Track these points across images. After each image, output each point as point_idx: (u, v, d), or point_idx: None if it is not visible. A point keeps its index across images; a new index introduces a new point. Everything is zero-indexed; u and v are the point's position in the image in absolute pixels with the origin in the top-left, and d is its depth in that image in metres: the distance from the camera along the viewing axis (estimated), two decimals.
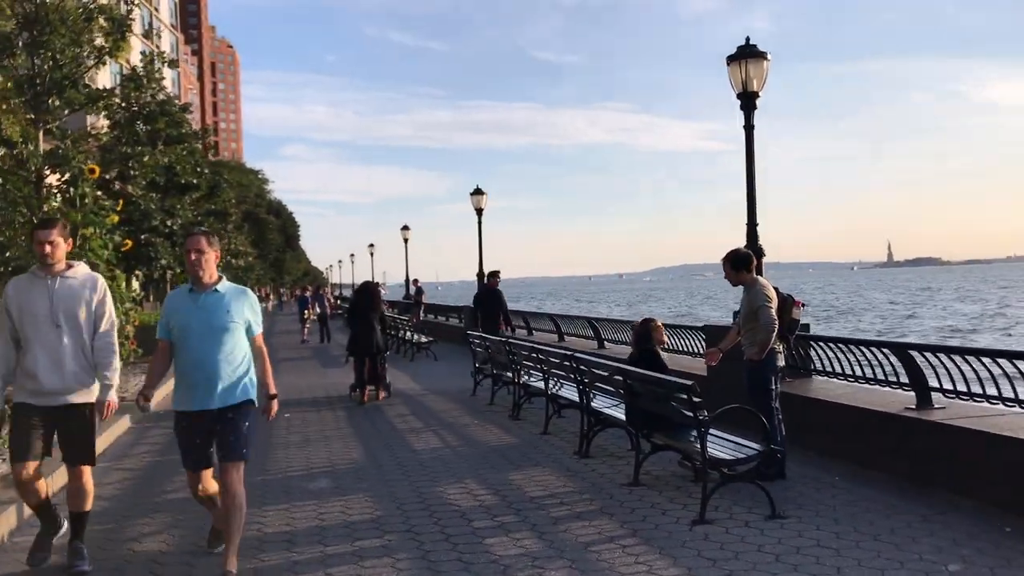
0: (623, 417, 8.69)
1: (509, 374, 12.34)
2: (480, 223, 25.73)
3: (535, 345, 10.85)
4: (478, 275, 26.01)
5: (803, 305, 8.26)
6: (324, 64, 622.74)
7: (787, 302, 7.92)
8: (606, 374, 8.44)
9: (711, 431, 6.72)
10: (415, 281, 34.61)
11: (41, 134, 12.69)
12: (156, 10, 79.99)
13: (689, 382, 6.57)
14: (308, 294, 32.34)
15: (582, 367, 8.95)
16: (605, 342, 16.30)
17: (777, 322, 7.54)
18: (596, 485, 7.74)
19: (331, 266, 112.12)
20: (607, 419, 8.92)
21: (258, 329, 5.78)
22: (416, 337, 22.09)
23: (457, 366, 19.37)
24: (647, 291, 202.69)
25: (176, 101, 23.14)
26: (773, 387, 7.85)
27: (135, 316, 13.53)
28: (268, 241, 67.50)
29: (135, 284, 20.22)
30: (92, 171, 12.09)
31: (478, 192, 25.69)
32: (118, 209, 12.59)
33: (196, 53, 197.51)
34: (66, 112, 13.16)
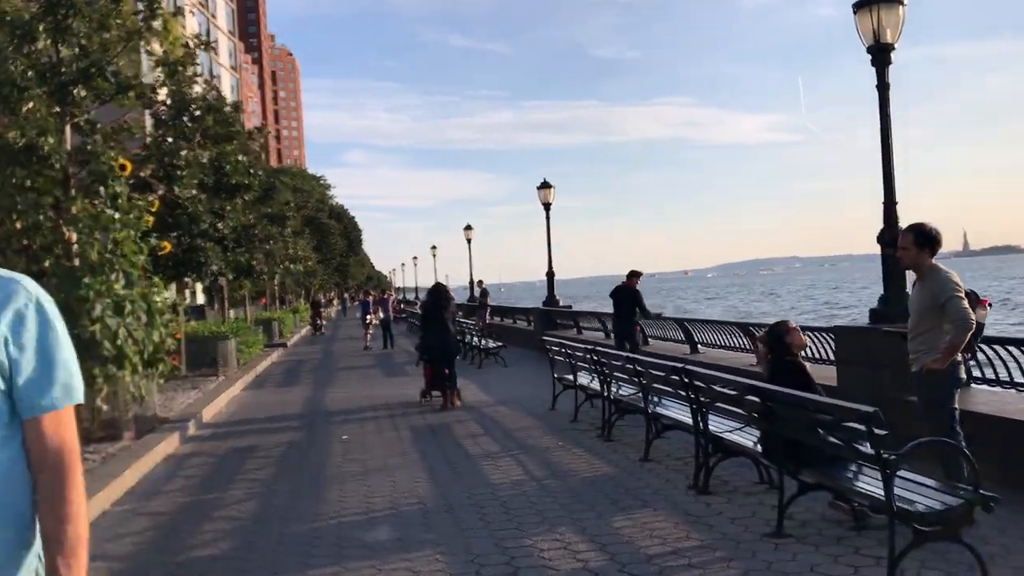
0: (750, 444, 7.00)
1: (596, 386, 10.71)
2: (548, 218, 24.14)
3: (630, 355, 9.20)
4: (547, 274, 24.42)
5: (989, 304, 6.46)
6: (383, 70, 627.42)
7: (969, 299, 6.12)
8: (733, 393, 6.72)
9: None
10: (480, 282, 33.10)
11: (68, 128, 11.45)
12: (213, 16, 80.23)
13: (870, 408, 4.84)
14: (370, 298, 30.99)
15: (697, 382, 7.25)
16: (698, 345, 14.53)
17: (974, 320, 5.76)
18: (728, 536, 6.05)
19: (394, 270, 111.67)
20: (730, 447, 7.22)
21: (52, 395, 1.94)
22: (484, 342, 20.54)
23: (529, 373, 17.79)
24: (716, 287, 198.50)
25: (224, 99, 21.93)
26: (954, 406, 6.09)
27: (176, 328, 12.20)
28: (331, 246, 66.72)
29: (170, 291, 19.06)
30: (123, 167, 10.78)
31: (545, 186, 24.09)
32: (153, 209, 11.26)
33: (256, 62, 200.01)
34: (95, 104, 11.92)
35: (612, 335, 15.76)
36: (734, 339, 13.46)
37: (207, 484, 8.73)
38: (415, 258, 76.39)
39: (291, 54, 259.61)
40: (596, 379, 10.74)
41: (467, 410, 12.97)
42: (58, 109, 11.24)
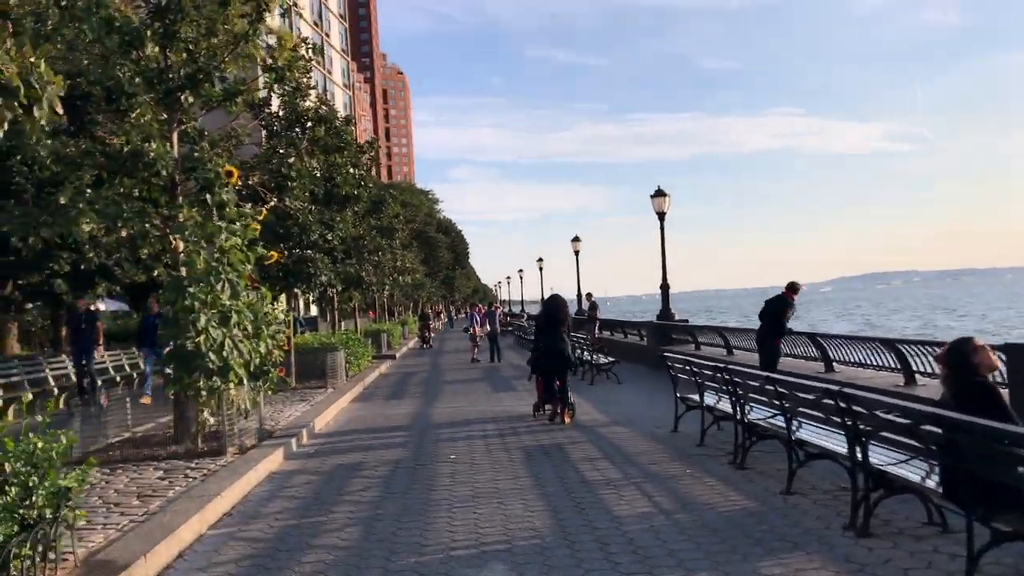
0: (918, 479, 6.00)
1: (726, 407, 9.78)
2: (663, 228, 23.11)
3: (770, 376, 8.23)
4: (662, 286, 23.42)
5: None
6: (488, 86, 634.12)
7: None
8: (903, 421, 5.74)
9: None
10: (588, 295, 32.26)
11: (175, 135, 11.24)
12: (327, 35, 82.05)
13: None
14: (477, 311, 30.47)
15: (857, 408, 6.27)
16: (834, 363, 13.35)
17: None
18: None
19: (499, 283, 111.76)
20: (896, 483, 6.21)
21: None
22: (595, 357, 19.69)
23: (645, 391, 16.89)
24: (836, 301, 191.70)
25: (336, 112, 21.82)
26: None
27: (284, 339, 11.84)
28: (438, 259, 67.15)
29: (280, 302, 18.91)
30: (229, 174, 10.47)
31: (660, 194, 23.08)
32: (260, 218, 10.92)
33: (368, 81, 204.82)
34: (202, 111, 11.70)
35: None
36: (877, 357, 12.25)
37: (309, 506, 8.20)
38: (521, 271, 76.01)
39: (401, 73, 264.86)
40: (726, 400, 9.80)
41: (581, 430, 12.18)
42: (165, 116, 11.02)
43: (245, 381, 10.57)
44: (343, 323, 34.55)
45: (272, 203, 17.21)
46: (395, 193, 38.66)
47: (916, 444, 5.74)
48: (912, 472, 6.18)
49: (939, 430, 5.24)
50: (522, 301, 77.41)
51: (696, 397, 11.19)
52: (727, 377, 9.14)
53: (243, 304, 10.63)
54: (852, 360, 12.93)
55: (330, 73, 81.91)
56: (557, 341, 13.28)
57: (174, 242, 11.04)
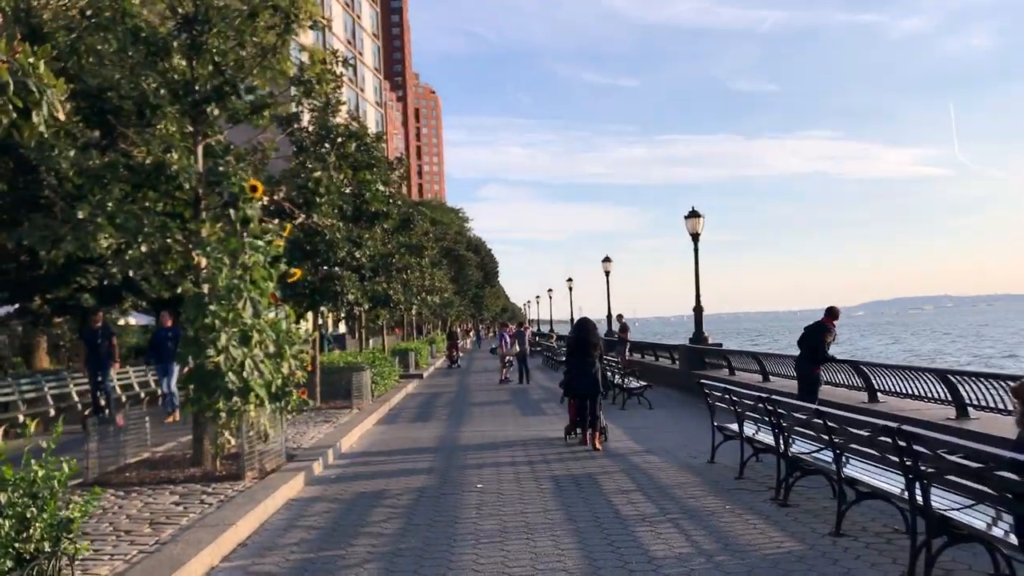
0: (983, 526, 5.49)
1: (767, 439, 9.28)
2: (697, 249, 22.60)
3: (819, 408, 7.73)
4: (695, 309, 22.89)
5: None
6: (519, 106, 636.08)
7: None
8: (975, 465, 5.23)
9: None
10: (620, 316, 31.78)
11: (201, 149, 10.98)
12: (360, 54, 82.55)
13: None
14: (507, 331, 29.99)
15: (917, 447, 5.77)
16: (878, 393, 12.78)
17: None
18: None
19: (528, 302, 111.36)
20: (961, 531, 5.70)
21: None
22: (627, 381, 19.19)
23: (678, 418, 16.37)
24: (871, 325, 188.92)
25: (367, 128, 21.60)
26: None
27: (307, 359, 11.50)
28: (467, 277, 66.94)
29: (306, 320, 18.58)
30: (254, 188, 10.18)
31: (694, 215, 22.61)
32: (285, 234, 10.61)
33: (401, 99, 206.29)
34: (228, 124, 11.45)
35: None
36: (924, 387, 11.67)
37: (328, 538, 7.81)
38: (550, 291, 75.54)
39: (434, 92, 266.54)
40: (768, 431, 9.31)
41: (614, 458, 11.71)
42: (191, 128, 10.78)
43: (266, 402, 10.23)
44: (371, 340, 34.31)
45: (300, 219, 16.99)
46: (425, 211, 38.50)
47: (986, 489, 5.23)
48: (977, 518, 5.68)
49: (1017, 477, 4.75)
50: (551, 321, 76.95)
51: (734, 427, 10.71)
52: (770, 407, 8.65)
53: (265, 323, 10.31)
54: (897, 390, 12.34)
55: (362, 91, 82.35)
56: (589, 364, 13.19)
57: (196, 258, 10.76)
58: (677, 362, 24.48)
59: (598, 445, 12.66)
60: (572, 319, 50.24)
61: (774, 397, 8.63)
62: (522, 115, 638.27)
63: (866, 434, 6.56)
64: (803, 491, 8.71)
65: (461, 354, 40.93)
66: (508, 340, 28.63)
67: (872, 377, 12.79)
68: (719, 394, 10.73)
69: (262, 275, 10.22)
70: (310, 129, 17.73)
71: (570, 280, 51.64)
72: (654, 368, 25.71)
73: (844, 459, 7.44)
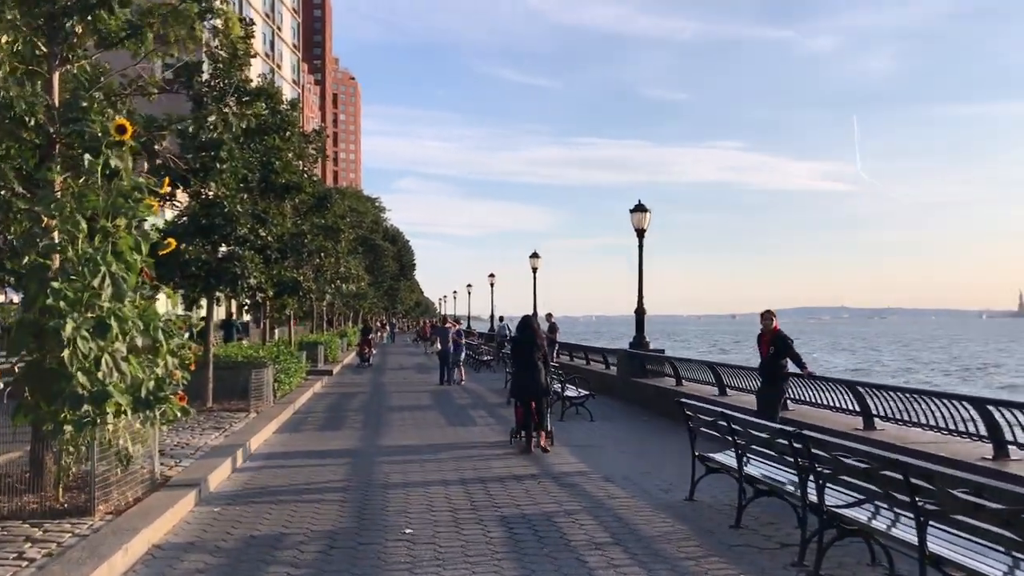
0: None
1: (776, 478, 7.30)
2: (641, 246, 20.69)
3: (875, 452, 5.71)
4: (636, 311, 21.00)
5: None
6: (437, 99, 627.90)
7: None
8: None
9: None
10: (548, 315, 29.83)
11: (57, 77, 8.40)
12: (279, 29, 78.73)
13: None
14: (450, 327, 26.88)
15: None
16: (875, 419, 10.96)
17: None
18: None
19: (444, 297, 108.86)
20: None
21: None
22: (565, 388, 17.13)
23: (624, 431, 14.55)
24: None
25: (279, 89, 19.02)
26: None
27: (191, 356, 9.01)
28: (383, 268, 64.06)
29: (198, 310, 15.96)
30: (122, 129, 7.67)
31: (640, 209, 20.68)
32: (162, 191, 8.13)
33: (319, 83, 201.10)
34: (98, 50, 8.88)
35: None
36: (938, 416, 9.87)
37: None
38: (469, 286, 73.16)
39: (353, 78, 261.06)
40: (779, 471, 7.32)
41: (569, 489, 9.59)
42: (44, 49, 8.18)
43: (128, 413, 7.74)
44: (276, 331, 31.49)
45: (195, 187, 14.40)
46: (340, 196, 35.73)
47: None
48: None
49: None
50: (469, 317, 74.46)
51: (721, 458, 8.74)
52: (797, 446, 6.61)
53: (132, 308, 7.82)
54: (898, 416, 10.55)
55: (279, 67, 78.45)
56: (532, 366, 12.66)
57: (46, 220, 8.17)
58: (613, 368, 22.62)
59: (545, 446, 12.35)
60: (492, 316, 48.09)
61: (805, 432, 6.60)
62: (440, 108, 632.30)
63: (972, 499, 4.55)
64: (838, 551, 6.71)
65: (375, 351, 37.72)
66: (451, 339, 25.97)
67: (869, 400, 10.96)
68: (707, 418, 8.67)
69: (129, 245, 7.72)
70: (211, 84, 15.09)
71: (492, 276, 49.49)
72: (586, 373, 23.71)
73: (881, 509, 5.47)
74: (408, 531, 7.63)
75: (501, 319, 46.82)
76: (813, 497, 6.57)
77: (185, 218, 15.53)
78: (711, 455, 8.93)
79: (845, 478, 6.18)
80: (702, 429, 8.91)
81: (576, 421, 15.98)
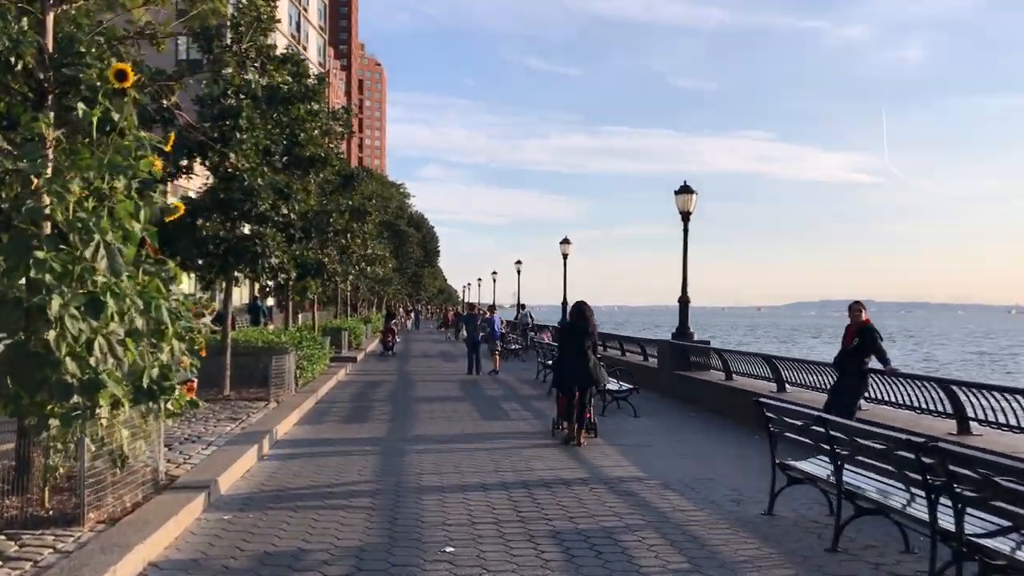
0: None
1: (895, 500, 6.11)
2: (686, 230, 19.43)
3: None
4: (680, 300, 19.75)
5: None
6: (462, 87, 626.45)
7: None
8: None
9: None
10: (521, 306, 28.62)
11: (51, 19, 7.31)
12: (305, 9, 77.72)
13: None
14: (486, 313, 25.89)
15: None
16: (971, 422, 9.69)
17: None
18: None
19: (468, 284, 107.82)
20: None
21: None
22: (612, 383, 15.94)
23: (675, 430, 13.35)
24: (813, 327, 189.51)
25: (305, 59, 17.95)
26: None
27: (201, 340, 7.93)
28: (407, 254, 63.03)
29: (207, 291, 14.90)
30: (122, 75, 6.57)
31: (685, 191, 19.41)
32: (167, 148, 7.02)
33: (345, 68, 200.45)
34: None
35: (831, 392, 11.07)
36: None
37: None
38: (494, 273, 71.95)
39: (379, 64, 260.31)
40: (892, 486, 6.13)
41: (626, 499, 8.43)
42: None
43: (125, 405, 6.66)
44: (300, 316, 30.52)
45: (214, 160, 13.37)
46: (368, 175, 34.61)
47: None
48: None
49: None
50: (494, 304, 73.25)
51: (805, 466, 7.58)
52: (927, 461, 5.39)
53: (131, 284, 6.73)
54: (993, 420, 9.30)
55: (305, 49, 77.39)
56: (579, 355, 11.97)
57: (35, 180, 7.09)
58: (651, 359, 21.40)
59: (582, 440, 11.68)
60: (519, 304, 46.95)
61: (942, 445, 5.38)
62: (465, 96, 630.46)
63: None
64: None
65: (398, 340, 36.22)
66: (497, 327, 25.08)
67: (964, 398, 9.70)
68: (796, 423, 7.45)
69: (128, 210, 6.62)
70: (232, 47, 13.98)
71: (519, 263, 48.28)
72: (625, 365, 22.48)
73: None
74: (449, 550, 6.50)
75: (523, 307, 45.92)
76: (945, 523, 5.38)
77: (202, 192, 14.50)
78: (793, 463, 7.76)
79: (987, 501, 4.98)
80: (787, 434, 7.70)
81: (619, 416, 14.82)
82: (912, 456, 5.51)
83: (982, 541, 5.17)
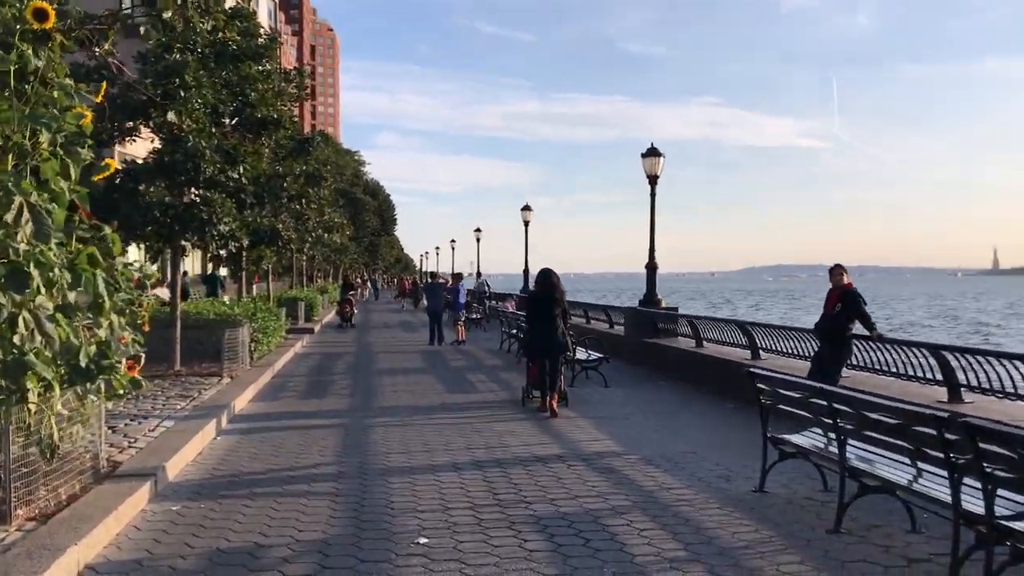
0: None
1: (903, 478, 5.65)
2: (654, 194, 18.92)
3: None
4: (648, 266, 19.28)
5: None
6: (416, 54, 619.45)
7: None
8: None
9: None
10: (478, 274, 28.07)
11: None
12: None
13: None
14: (450, 282, 25.44)
15: None
16: (962, 389, 9.30)
17: None
18: None
19: (426, 253, 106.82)
20: None
21: None
22: (575, 350, 15.42)
23: (647, 401, 12.90)
24: (767, 291, 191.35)
25: (255, 14, 17.02)
26: None
27: (144, 314, 7.21)
28: (364, 223, 61.88)
29: (155, 261, 14.08)
30: (41, 15, 5.77)
31: (653, 153, 18.86)
32: (97, 99, 6.25)
33: (297, 34, 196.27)
34: None
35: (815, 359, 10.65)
36: None
37: None
38: (453, 241, 71.10)
39: (332, 29, 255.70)
40: (898, 461, 5.67)
41: (607, 476, 7.91)
42: None
43: (56, 387, 5.94)
44: (255, 286, 29.59)
45: (158, 121, 12.52)
46: (323, 140, 33.51)
47: None
48: None
49: None
50: (460, 274, 72.43)
51: (799, 440, 7.14)
52: (951, 438, 4.90)
53: (62, 252, 5.99)
54: (987, 387, 8.93)
55: (255, 14, 75.18)
56: (548, 324, 11.74)
57: None
58: (617, 327, 20.97)
59: (554, 408, 11.35)
60: (478, 272, 46.25)
61: (969, 420, 4.90)
62: (418, 63, 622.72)
63: None
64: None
65: (356, 311, 35.14)
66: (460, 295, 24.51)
67: (955, 364, 9.31)
68: (794, 395, 6.96)
69: (54, 169, 5.85)
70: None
71: (478, 231, 47.49)
72: (589, 332, 22.00)
73: None
74: (422, 541, 5.92)
75: (479, 275, 45.34)
76: (971, 506, 4.92)
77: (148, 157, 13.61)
78: (786, 437, 7.29)
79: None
80: (780, 407, 7.22)
81: (588, 386, 14.33)
82: (934, 432, 5.02)
83: (1013, 524, 4.72)
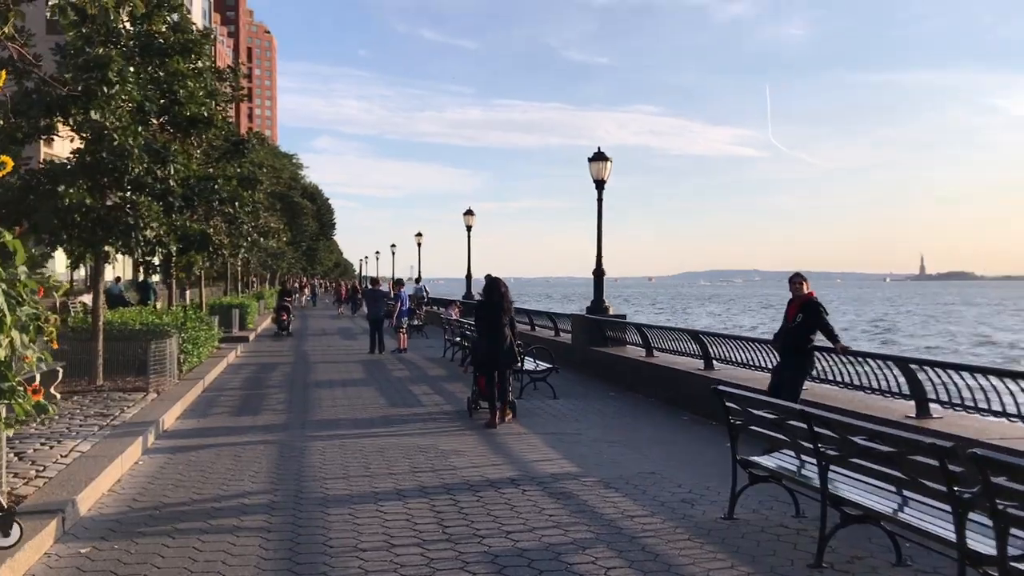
0: None
1: (887, 507, 5.18)
2: (600, 199, 18.48)
3: None
4: (595, 272, 18.82)
5: None
6: (356, 58, 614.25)
7: None
8: None
9: None
10: (417, 279, 27.54)
11: None
12: None
13: None
14: (402, 290, 24.84)
15: None
16: (930, 404, 8.94)
17: None
18: None
19: (366, 258, 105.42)
20: None
21: None
22: (528, 362, 14.90)
23: (598, 413, 12.43)
24: (704, 296, 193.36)
25: (190, 19, 16.17)
26: None
27: (52, 331, 6.42)
28: (302, 227, 60.51)
29: (76, 268, 13.14)
30: None
31: (600, 158, 18.42)
32: None
33: (233, 35, 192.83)
34: None
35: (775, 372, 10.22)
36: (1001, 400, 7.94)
37: None
38: (393, 246, 69.87)
39: (268, 32, 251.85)
40: (884, 490, 5.21)
41: (575, 511, 7.33)
42: None
43: None
44: (188, 292, 28.44)
45: (78, 118, 11.66)
46: (259, 141, 32.47)
47: None
48: None
49: None
50: (394, 279, 71.26)
51: (768, 462, 6.68)
52: (955, 470, 4.44)
53: None
54: (958, 402, 8.58)
55: (189, 14, 73.30)
56: (496, 333, 11.51)
57: None
58: (563, 335, 20.47)
59: (507, 418, 11.37)
60: (418, 278, 45.48)
61: (979, 452, 4.44)
62: (358, 67, 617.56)
63: None
64: None
65: (293, 317, 33.75)
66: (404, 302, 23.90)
67: (923, 378, 8.96)
68: (768, 416, 6.46)
69: None
70: None
71: (419, 235, 46.66)
72: (534, 340, 21.46)
73: None
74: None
75: (418, 280, 44.78)
76: (977, 544, 4.47)
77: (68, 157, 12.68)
78: (757, 459, 6.83)
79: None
80: (752, 428, 6.74)
81: (536, 398, 13.81)
82: (935, 463, 4.56)
83: (1019, 566, 4.27)
